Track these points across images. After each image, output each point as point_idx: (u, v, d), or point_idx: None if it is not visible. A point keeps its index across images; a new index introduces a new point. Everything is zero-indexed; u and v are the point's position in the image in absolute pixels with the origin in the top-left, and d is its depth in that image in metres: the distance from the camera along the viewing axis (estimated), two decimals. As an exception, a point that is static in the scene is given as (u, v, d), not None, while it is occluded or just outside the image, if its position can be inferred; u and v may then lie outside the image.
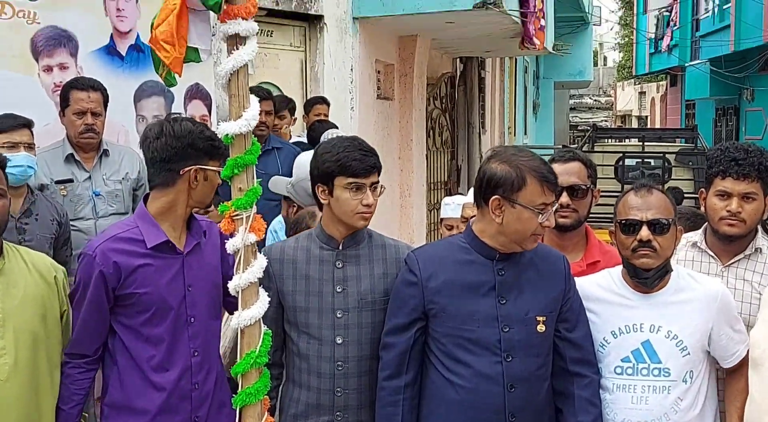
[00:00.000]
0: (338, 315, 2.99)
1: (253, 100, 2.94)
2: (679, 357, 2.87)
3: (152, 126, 3.08)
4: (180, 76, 2.95)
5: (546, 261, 2.94)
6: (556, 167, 3.34)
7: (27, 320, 2.97)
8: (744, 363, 2.92)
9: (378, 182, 3.03)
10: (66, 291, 3.12)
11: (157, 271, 3.01)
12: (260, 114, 5.41)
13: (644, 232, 2.85)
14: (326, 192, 2.98)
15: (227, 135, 2.88)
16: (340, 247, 3.04)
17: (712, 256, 3.24)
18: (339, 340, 2.98)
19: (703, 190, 3.32)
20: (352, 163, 2.93)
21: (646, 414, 2.87)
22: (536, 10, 8.95)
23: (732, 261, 3.21)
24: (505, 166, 2.78)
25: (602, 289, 3.00)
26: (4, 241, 3.02)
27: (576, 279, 3.01)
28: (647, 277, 2.89)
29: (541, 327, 2.84)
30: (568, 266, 2.97)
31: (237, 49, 2.86)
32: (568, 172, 3.34)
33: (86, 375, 3.08)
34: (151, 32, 2.83)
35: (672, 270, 2.95)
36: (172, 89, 5.41)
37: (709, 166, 3.27)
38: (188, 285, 3.07)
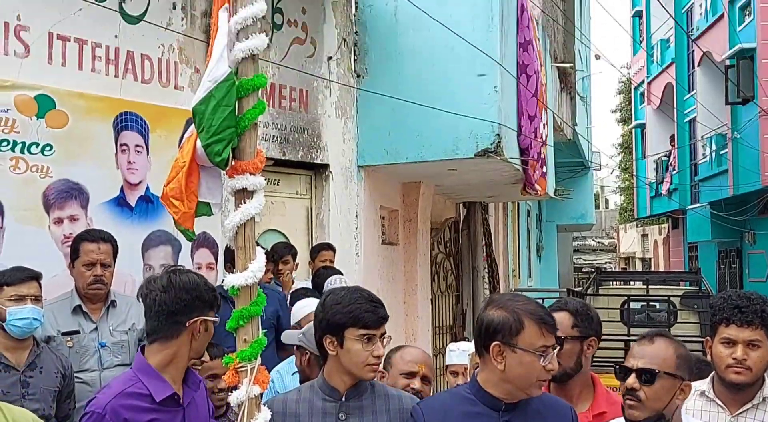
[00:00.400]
0: None
1: (259, 252, 3.00)
2: None
3: (155, 278, 3.08)
4: (190, 230, 3.02)
5: (553, 411, 2.89)
6: None
7: None
8: None
9: (385, 332, 3.04)
10: None
11: None
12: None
13: (630, 380, 2.83)
14: (335, 343, 2.96)
15: (233, 287, 2.92)
16: (343, 398, 3.00)
17: (720, 405, 3.21)
18: None
19: (708, 338, 3.32)
20: (365, 314, 2.94)
21: None
22: (537, 158, 9.16)
23: (740, 410, 3.18)
24: (502, 311, 2.79)
25: None
26: None
27: None
28: None
29: None
30: (575, 417, 2.93)
31: (244, 202, 2.94)
32: None
33: None
34: (162, 190, 2.92)
35: None
36: (179, 238, 5.50)
37: (713, 314, 3.29)
38: None
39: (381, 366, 3.13)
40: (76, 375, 4.23)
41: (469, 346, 4.52)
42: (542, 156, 9.67)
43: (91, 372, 4.36)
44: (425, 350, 3.90)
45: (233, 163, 2.92)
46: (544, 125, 9.50)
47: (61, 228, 4.85)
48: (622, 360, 3.24)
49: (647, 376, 2.82)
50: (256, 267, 2.94)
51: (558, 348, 2.92)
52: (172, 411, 3.01)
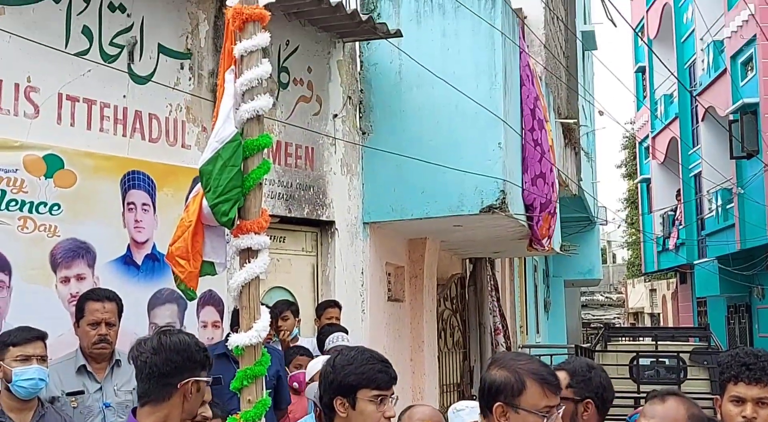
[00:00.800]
0: None
1: (264, 311, 3.01)
2: None
3: (145, 340, 3.03)
4: (195, 289, 3.02)
5: None
6: None
7: None
8: None
9: (393, 392, 3.02)
10: None
11: None
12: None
13: None
14: (346, 405, 2.93)
15: (238, 346, 2.92)
16: None
17: None
18: None
19: (717, 396, 3.29)
20: (378, 375, 2.93)
21: None
22: (552, 212, 9.16)
23: None
24: (504, 371, 2.76)
25: None
26: None
27: None
28: None
29: None
30: None
31: (249, 261, 2.96)
32: None
33: None
34: (168, 249, 2.94)
35: None
36: (185, 296, 5.50)
37: (721, 372, 3.26)
38: None
39: None
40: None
41: (476, 404, 4.47)
42: (554, 213, 9.67)
43: (95, 433, 4.34)
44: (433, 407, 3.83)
45: (238, 222, 2.94)
46: (552, 183, 9.53)
47: (68, 287, 4.86)
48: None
49: None
50: (260, 327, 2.95)
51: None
52: None
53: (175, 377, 2.94)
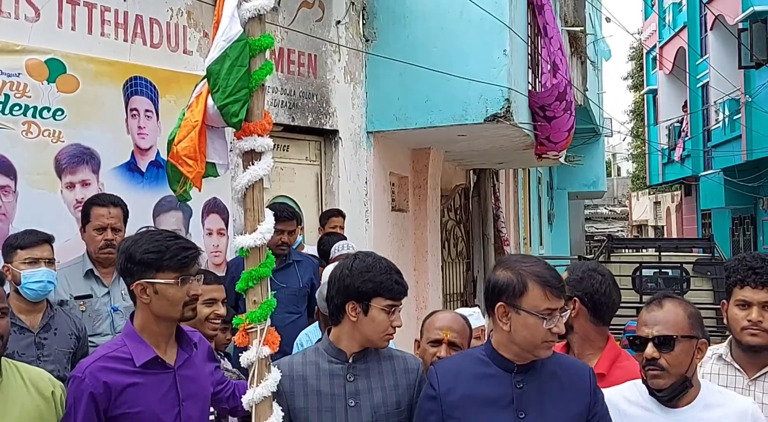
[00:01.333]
0: None
1: (268, 213, 3.00)
2: None
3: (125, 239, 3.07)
4: (200, 191, 3.02)
5: (570, 373, 2.86)
6: None
7: None
8: None
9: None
10: (64, 406, 3.06)
11: (148, 389, 2.93)
12: (283, 234, 5.51)
13: (648, 350, 2.79)
14: (357, 310, 2.97)
15: (242, 248, 2.93)
16: (350, 361, 3.03)
17: (738, 369, 3.18)
18: None
19: (724, 301, 3.31)
20: (394, 286, 2.97)
21: None
22: (548, 119, 9.09)
23: (758, 374, 3.15)
24: (508, 272, 2.77)
25: (628, 402, 2.91)
26: (2, 358, 3.03)
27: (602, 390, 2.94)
28: (662, 396, 2.82)
29: None
30: (594, 379, 2.87)
31: (252, 164, 2.94)
32: None
33: None
34: (170, 148, 2.91)
35: (691, 386, 2.85)
36: (190, 203, 5.51)
37: (728, 276, 3.26)
38: (182, 400, 2.99)
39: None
40: (90, 339, 4.27)
41: (479, 310, 4.52)
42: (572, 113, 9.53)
43: (104, 337, 4.38)
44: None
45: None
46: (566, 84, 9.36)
47: (74, 192, 4.88)
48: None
49: (665, 343, 2.80)
50: (264, 229, 2.94)
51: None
52: (159, 374, 2.97)
53: (128, 279, 2.96)
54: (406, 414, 3.03)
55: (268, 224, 2.96)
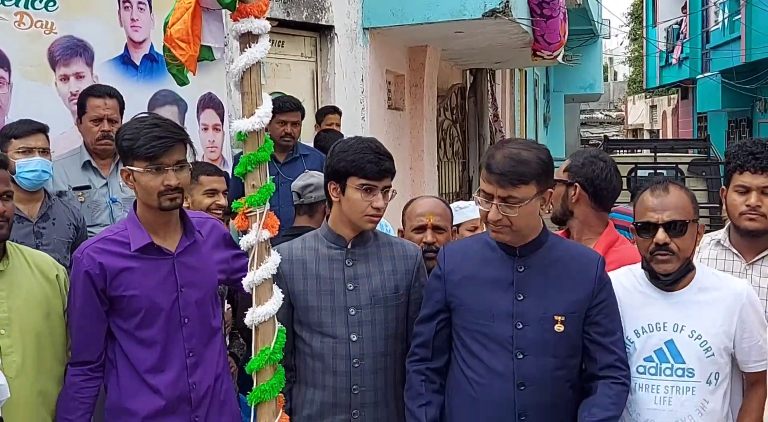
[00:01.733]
0: (351, 313, 3.01)
1: (266, 97, 2.98)
2: (702, 358, 2.79)
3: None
4: (194, 75, 2.99)
5: (577, 261, 2.88)
6: None
7: (31, 319, 3.01)
8: (760, 380, 2.82)
9: (390, 186, 3.05)
10: (67, 289, 3.12)
11: (145, 274, 2.97)
12: (287, 125, 5.48)
13: (661, 235, 2.78)
14: (338, 190, 3.01)
15: (240, 132, 2.92)
16: (349, 246, 3.07)
17: (736, 254, 3.21)
18: (354, 337, 2.99)
19: (723, 187, 3.32)
20: (367, 164, 2.96)
21: (670, 415, 2.80)
22: (545, 17, 8.96)
23: (756, 258, 3.17)
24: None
25: (624, 288, 2.94)
26: (7, 242, 3.06)
27: None
28: (666, 280, 2.84)
29: (559, 327, 2.79)
30: (602, 267, 2.88)
31: (249, 46, 2.90)
32: None
33: (91, 384, 3.03)
34: (165, 31, 2.87)
35: (694, 269, 2.89)
36: (185, 98, 5.48)
37: (728, 162, 3.26)
38: (181, 287, 3.02)
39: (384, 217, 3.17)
40: (89, 229, 4.27)
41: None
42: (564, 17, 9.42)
43: (103, 227, 4.36)
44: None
45: (237, 5, 2.86)
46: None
47: (68, 85, 4.82)
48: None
49: (676, 228, 2.80)
50: (262, 113, 2.91)
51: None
52: (157, 260, 3.00)
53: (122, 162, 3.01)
54: (404, 298, 3.09)
55: (266, 108, 2.93)
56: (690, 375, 2.80)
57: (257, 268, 2.90)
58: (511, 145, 2.81)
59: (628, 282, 2.96)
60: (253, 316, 2.88)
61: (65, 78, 4.82)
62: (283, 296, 2.95)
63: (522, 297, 2.82)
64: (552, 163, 2.86)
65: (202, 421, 3.08)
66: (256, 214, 2.91)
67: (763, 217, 3.11)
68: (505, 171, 2.72)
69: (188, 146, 3.04)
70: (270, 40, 2.95)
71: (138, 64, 5.26)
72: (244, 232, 2.95)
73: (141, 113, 3.19)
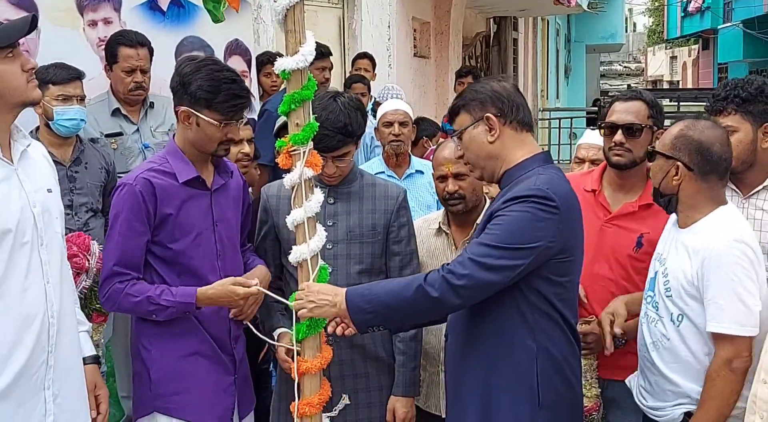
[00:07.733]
0: (328, 247, 3.09)
1: (309, 35, 2.91)
2: (663, 296, 2.84)
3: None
4: (237, 11, 2.92)
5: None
6: (618, 105, 3.31)
7: None
8: (719, 348, 2.69)
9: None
10: None
11: (190, 204, 3.02)
12: (324, 70, 5.48)
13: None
14: None
15: (284, 70, 2.85)
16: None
17: (734, 190, 3.19)
18: (329, 270, 3.00)
19: (765, 124, 3.26)
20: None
21: (641, 337, 2.96)
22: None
23: (752, 193, 3.17)
24: None
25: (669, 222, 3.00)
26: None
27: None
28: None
29: None
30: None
31: (292, -16, 2.82)
32: (626, 111, 3.28)
33: (142, 283, 2.98)
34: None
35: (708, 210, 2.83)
36: (212, 45, 5.42)
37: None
38: (216, 221, 3.08)
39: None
40: (121, 175, 4.24)
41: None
42: None
43: (137, 173, 4.38)
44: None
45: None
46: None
47: (96, 30, 4.76)
48: None
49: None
50: (306, 51, 2.85)
51: (637, 135, 3.17)
52: (199, 193, 3.04)
53: (176, 99, 3.00)
54: (381, 237, 3.25)
55: (309, 46, 2.86)
56: (655, 307, 2.88)
57: (300, 206, 2.86)
58: None
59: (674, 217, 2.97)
60: (298, 254, 2.85)
61: (93, 23, 4.76)
62: (326, 234, 2.92)
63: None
64: (489, 90, 2.72)
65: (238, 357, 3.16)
66: (299, 152, 2.86)
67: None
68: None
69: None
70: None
71: (165, 9, 5.19)
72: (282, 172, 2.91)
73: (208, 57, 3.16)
